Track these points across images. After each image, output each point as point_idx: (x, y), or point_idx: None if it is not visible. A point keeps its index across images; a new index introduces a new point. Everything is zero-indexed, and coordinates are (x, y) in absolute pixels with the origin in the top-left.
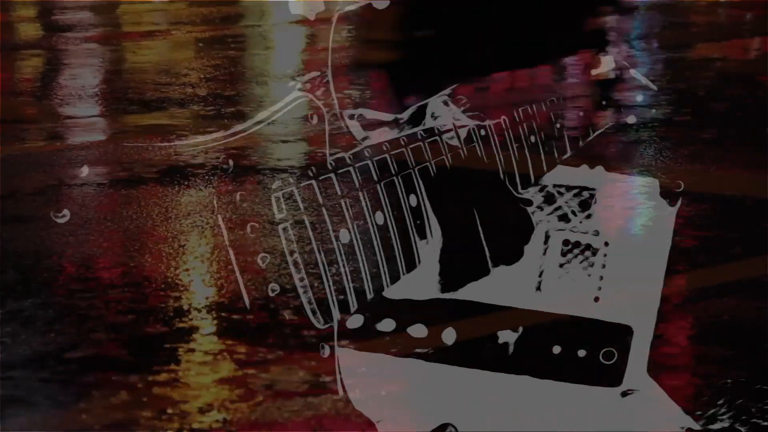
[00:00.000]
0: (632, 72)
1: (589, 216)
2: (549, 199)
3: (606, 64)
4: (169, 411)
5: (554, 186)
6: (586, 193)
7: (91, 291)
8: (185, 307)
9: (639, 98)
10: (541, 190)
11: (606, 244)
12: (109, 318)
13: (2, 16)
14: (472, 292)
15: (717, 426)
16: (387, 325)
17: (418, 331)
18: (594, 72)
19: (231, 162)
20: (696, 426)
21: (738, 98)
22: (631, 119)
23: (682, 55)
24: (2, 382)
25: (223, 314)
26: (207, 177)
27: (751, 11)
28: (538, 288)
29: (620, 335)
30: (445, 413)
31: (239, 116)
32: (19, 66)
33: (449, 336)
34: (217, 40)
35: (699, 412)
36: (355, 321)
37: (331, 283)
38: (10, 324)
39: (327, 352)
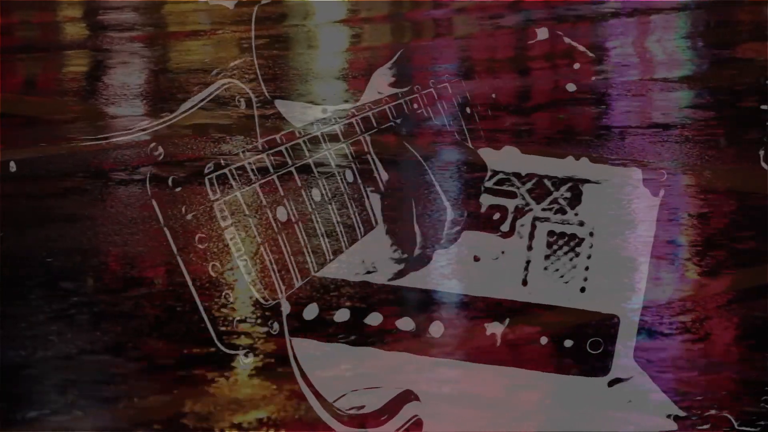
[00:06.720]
0: (566, 40)
1: (574, 207)
2: (534, 190)
3: (541, 34)
4: (213, 409)
5: (539, 177)
6: (571, 184)
7: (136, 289)
8: (229, 306)
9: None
10: (525, 182)
11: (591, 234)
12: (154, 317)
13: (49, 16)
14: (457, 284)
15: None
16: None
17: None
18: (530, 42)
19: (161, 149)
20: (682, 413)
21: None
22: (570, 87)
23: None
24: (49, 379)
25: (267, 313)
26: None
27: None
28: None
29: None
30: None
31: (281, 116)
32: (65, 65)
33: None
34: (261, 39)
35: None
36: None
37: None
38: (56, 323)
39: (276, 328)
